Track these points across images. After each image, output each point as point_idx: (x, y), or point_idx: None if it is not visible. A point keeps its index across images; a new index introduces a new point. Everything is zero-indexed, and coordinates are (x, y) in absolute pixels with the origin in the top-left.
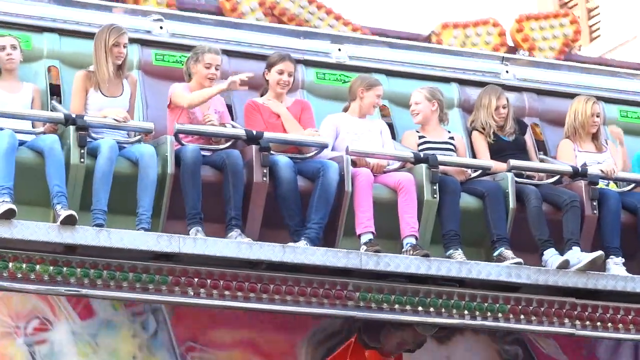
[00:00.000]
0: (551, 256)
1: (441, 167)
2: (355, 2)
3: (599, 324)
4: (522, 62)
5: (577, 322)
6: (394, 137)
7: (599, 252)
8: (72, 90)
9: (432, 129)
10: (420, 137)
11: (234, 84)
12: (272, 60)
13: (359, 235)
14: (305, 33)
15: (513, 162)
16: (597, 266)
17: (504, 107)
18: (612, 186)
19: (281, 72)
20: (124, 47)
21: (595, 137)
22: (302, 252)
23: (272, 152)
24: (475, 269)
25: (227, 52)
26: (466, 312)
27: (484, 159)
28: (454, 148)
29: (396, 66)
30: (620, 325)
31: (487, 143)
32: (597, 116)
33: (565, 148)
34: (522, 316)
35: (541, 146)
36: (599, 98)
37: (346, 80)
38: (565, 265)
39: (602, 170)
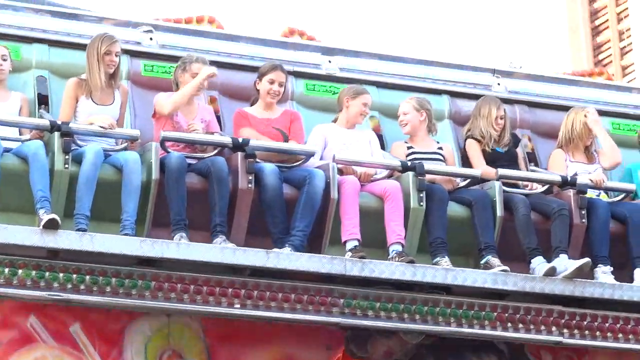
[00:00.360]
0: (539, 264)
1: (429, 177)
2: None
3: (586, 332)
4: (513, 75)
5: (565, 331)
6: (384, 148)
7: (586, 259)
8: (62, 97)
9: (420, 140)
10: (408, 148)
11: (210, 76)
12: (263, 69)
13: (345, 242)
14: (295, 45)
15: (502, 171)
16: (585, 274)
17: (501, 118)
18: (604, 197)
19: (272, 82)
20: (116, 55)
21: (587, 147)
22: (285, 257)
23: (259, 160)
24: (461, 276)
25: (217, 64)
26: (452, 319)
27: (480, 166)
28: (442, 158)
29: (387, 78)
30: (608, 334)
31: (482, 152)
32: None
33: (557, 158)
34: (509, 324)
35: (532, 158)
36: None
37: (336, 91)
38: (552, 272)
39: (591, 180)
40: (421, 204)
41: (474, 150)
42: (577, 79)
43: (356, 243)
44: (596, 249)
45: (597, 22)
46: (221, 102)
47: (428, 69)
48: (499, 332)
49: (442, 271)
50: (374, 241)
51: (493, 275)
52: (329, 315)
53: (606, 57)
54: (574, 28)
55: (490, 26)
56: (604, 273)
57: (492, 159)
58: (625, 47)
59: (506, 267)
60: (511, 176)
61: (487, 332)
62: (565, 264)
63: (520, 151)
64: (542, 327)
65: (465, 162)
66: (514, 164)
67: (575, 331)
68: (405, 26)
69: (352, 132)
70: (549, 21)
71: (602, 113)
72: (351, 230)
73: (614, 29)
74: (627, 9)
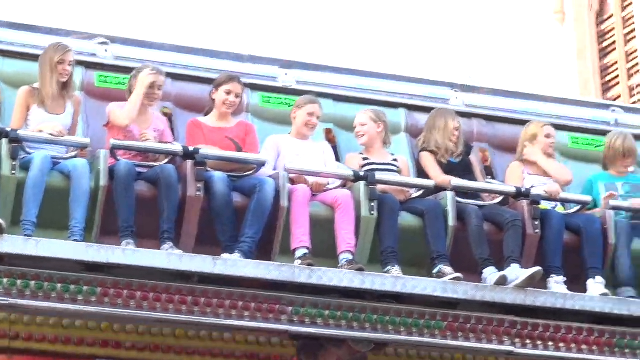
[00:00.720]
0: (490, 274)
1: (382, 188)
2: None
3: (539, 342)
4: (471, 89)
5: (517, 340)
6: (339, 160)
7: (537, 268)
8: (14, 105)
9: (376, 151)
10: (364, 159)
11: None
12: (220, 80)
13: (294, 250)
14: (252, 58)
15: (455, 181)
16: (537, 283)
17: (457, 129)
18: (560, 209)
19: (229, 93)
20: (69, 64)
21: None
22: (233, 264)
23: (209, 169)
24: (411, 284)
25: (172, 76)
26: (402, 328)
27: (438, 177)
28: (397, 170)
29: (343, 91)
30: (561, 344)
31: (437, 163)
32: (549, 137)
33: (514, 170)
34: (459, 333)
35: (489, 171)
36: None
37: (292, 104)
38: (503, 281)
39: (546, 191)
40: (372, 212)
41: (430, 162)
42: (534, 94)
43: (305, 251)
44: (549, 259)
45: (604, 44)
46: (176, 114)
47: (385, 83)
48: (449, 342)
49: (392, 279)
50: (325, 251)
51: (443, 283)
52: (277, 323)
53: (613, 79)
54: (582, 49)
55: (497, 48)
56: (557, 283)
57: (447, 170)
58: (632, 67)
59: (459, 275)
60: (465, 187)
61: (438, 341)
62: (516, 273)
63: (474, 159)
64: (494, 337)
65: (421, 174)
66: (469, 174)
67: (528, 341)
68: (371, 41)
69: (305, 142)
70: (558, 43)
71: (561, 127)
72: (301, 238)
73: (621, 51)
74: (634, 30)
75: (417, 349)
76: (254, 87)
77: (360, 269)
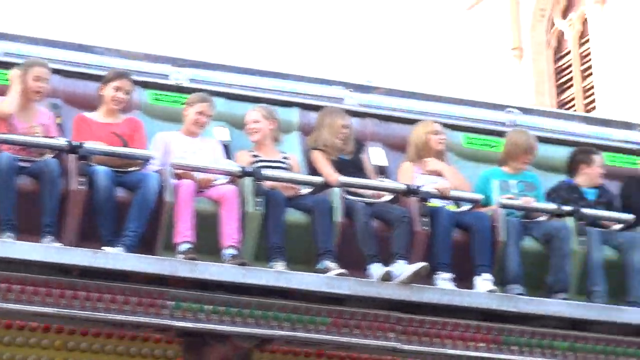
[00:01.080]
0: (376, 270)
1: (271, 185)
2: None
3: (424, 338)
4: (365, 89)
5: (402, 337)
6: (231, 158)
7: (423, 264)
8: None
9: (267, 149)
10: (253, 156)
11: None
12: (109, 76)
13: (177, 245)
14: (145, 55)
15: (342, 178)
16: (422, 278)
17: (345, 127)
18: (453, 207)
19: (117, 89)
20: None
21: (440, 159)
22: (114, 257)
23: (93, 163)
24: (295, 279)
25: (63, 72)
26: (287, 324)
27: (330, 175)
28: (288, 167)
29: (236, 89)
30: (447, 341)
31: (328, 161)
32: (437, 134)
33: (406, 170)
34: (344, 329)
35: (382, 170)
36: (445, 125)
37: (183, 102)
38: (388, 277)
39: (436, 189)
40: (258, 208)
41: (320, 160)
42: (429, 94)
43: (189, 245)
44: (438, 256)
45: (562, 80)
46: (64, 110)
47: (279, 82)
48: (334, 337)
49: (275, 274)
50: (212, 247)
51: (327, 279)
52: (158, 318)
53: None
54: (540, 85)
55: (457, 84)
56: (444, 280)
57: (338, 167)
58: (589, 103)
59: (343, 271)
60: (352, 183)
61: (322, 336)
62: (402, 269)
63: (366, 158)
64: (379, 333)
65: (313, 173)
66: (360, 172)
67: (413, 337)
68: (271, 41)
69: (194, 140)
70: (516, 79)
71: (456, 127)
72: (184, 232)
73: (578, 87)
74: (591, 67)
75: (302, 345)
76: (146, 85)
77: (243, 264)
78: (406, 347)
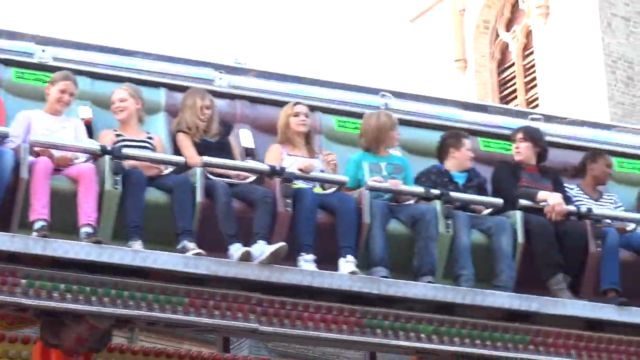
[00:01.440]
0: (236, 250)
1: (133, 163)
2: None
3: (286, 320)
4: (236, 70)
5: (263, 318)
6: (93, 137)
7: (282, 244)
8: None
9: (131, 128)
10: (117, 135)
11: None
12: None
13: (32, 223)
14: (8, 33)
15: (205, 158)
16: (282, 259)
17: (207, 108)
18: (318, 189)
19: None
20: None
21: (308, 142)
22: None
23: None
24: (151, 258)
25: None
26: (143, 303)
27: (192, 157)
28: (152, 147)
29: (102, 69)
30: (309, 323)
31: (192, 143)
32: (297, 116)
33: (273, 151)
34: (203, 310)
35: (250, 152)
36: (317, 108)
37: (47, 80)
38: (247, 257)
39: (299, 169)
40: (116, 187)
41: (184, 142)
42: (301, 76)
43: (43, 223)
44: (300, 238)
45: (505, 92)
46: None
47: (145, 62)
48: (191, 318)
49: (131, 253)
50: (70, 226)
51: (185, 258)
52: (10, 296)
53: None
54: (483, 97)
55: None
56: (306, 261)
57: (203, 149)
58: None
59: (200, 251)
60: (216, 164)
61: (179, 317)
62: (262, 249)
63: (233, 140)
64: (239, 314)
65: (178, 154)
66: (226, 154)
67: (274, 319)
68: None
69: (57, 118)
70: (459, 91)
71: (328, 110)
72: (40, 210)
73: (521, 99)
74: (535, 78)
75: (158, 325)
76: (8, 63)
77: (98, 242)
78: (267, 328)
